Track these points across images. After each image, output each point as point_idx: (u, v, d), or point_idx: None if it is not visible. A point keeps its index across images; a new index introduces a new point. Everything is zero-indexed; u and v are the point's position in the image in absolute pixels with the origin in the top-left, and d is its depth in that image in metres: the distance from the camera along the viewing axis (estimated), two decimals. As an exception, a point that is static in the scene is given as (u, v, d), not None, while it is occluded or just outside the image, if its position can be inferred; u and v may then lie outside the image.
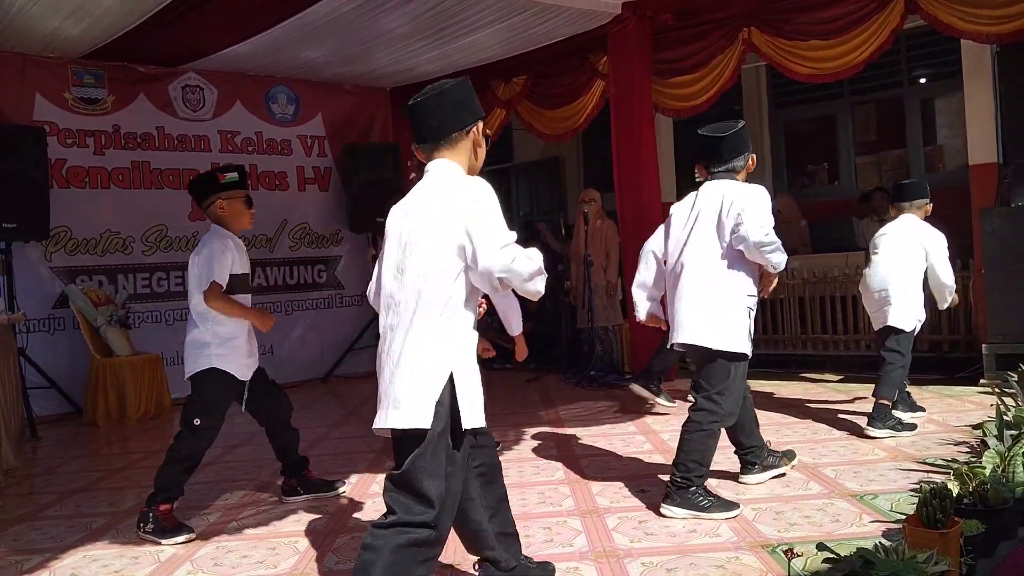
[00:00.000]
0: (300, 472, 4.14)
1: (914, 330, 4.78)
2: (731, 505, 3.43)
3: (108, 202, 7.26)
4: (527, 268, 2.26)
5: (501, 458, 4.43)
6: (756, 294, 3.57)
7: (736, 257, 3.49)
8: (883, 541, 2.63)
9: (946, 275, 4.76)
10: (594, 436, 5.09)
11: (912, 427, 4.59)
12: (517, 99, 8.31)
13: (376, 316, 2.47)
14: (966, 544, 2.57)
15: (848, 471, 3.93)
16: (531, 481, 4.14)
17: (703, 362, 3.56)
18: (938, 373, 6.17)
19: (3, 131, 6.36)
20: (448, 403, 2.24)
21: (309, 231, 8.50)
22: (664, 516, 3.42)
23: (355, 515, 3.78)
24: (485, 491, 2.67)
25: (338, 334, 8.39)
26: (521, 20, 6.73)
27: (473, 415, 2.29)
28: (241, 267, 3.86)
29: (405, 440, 2.26)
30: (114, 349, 6.72)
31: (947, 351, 6.56)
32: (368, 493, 4.14)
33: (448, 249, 2.26)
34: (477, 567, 2.78)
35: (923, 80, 8.09)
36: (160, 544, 3.51)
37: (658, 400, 5.63)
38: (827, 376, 6.65)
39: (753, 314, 3.57)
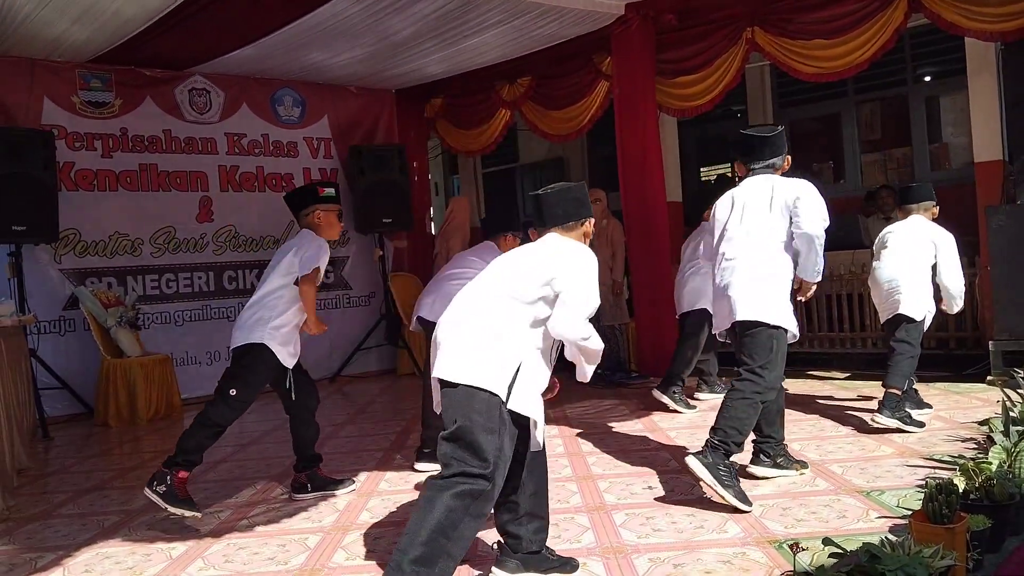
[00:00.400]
0: (312, 468, 4.19)
1: (923, 321, 4.78)
2: (745, 498, 3.44)
3: (116, 204, 7.32)
4: (594, 347, 2.74)
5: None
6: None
7: (782, 245, 3.72)
8: (889, 536, 2.65)
9: (955, 276, 4.76)
10: (601, 434, 5.12)
11: (920, 424, 4.60)
12: (522, 100, 8.34)
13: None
14: (972, 539, 2.59)
15: (855, 467, 3.95)
16: (539, 479, 4.17)
17: (747, 338, 3.70)
18: (945, 370, 6.18)
19: (12, 135, 6.42)
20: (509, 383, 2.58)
21: (316, 232, 8.53)
22: (688, 466, 3.50)
23: (364, 512, 3.82)
24: (528, 471, 2.81)
25: (346, 334, 8.43)
26: (525, 22, 6.76)
27: (520, 400, 2.61)
28: (324, 271, 4.11)
29: (464, 395, 2.55)
30: (124, 350, 6.77)
31: (954, 348, 6.56)
32: (377, 491, 4.18)
33: (538, 285, 2.68)
34: (496, 546, 2.84)
35: (928, 78, 8.09)
36: (163, 509, 3.67)
37: (677, 407, 5.62)
38: (834, 374, 6.66)
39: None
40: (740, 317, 3.72)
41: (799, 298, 3.81)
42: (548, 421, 5.55)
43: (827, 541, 2.54)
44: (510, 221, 4.77)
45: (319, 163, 8.63)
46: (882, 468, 3.90)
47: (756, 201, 3.79)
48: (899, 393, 4.63)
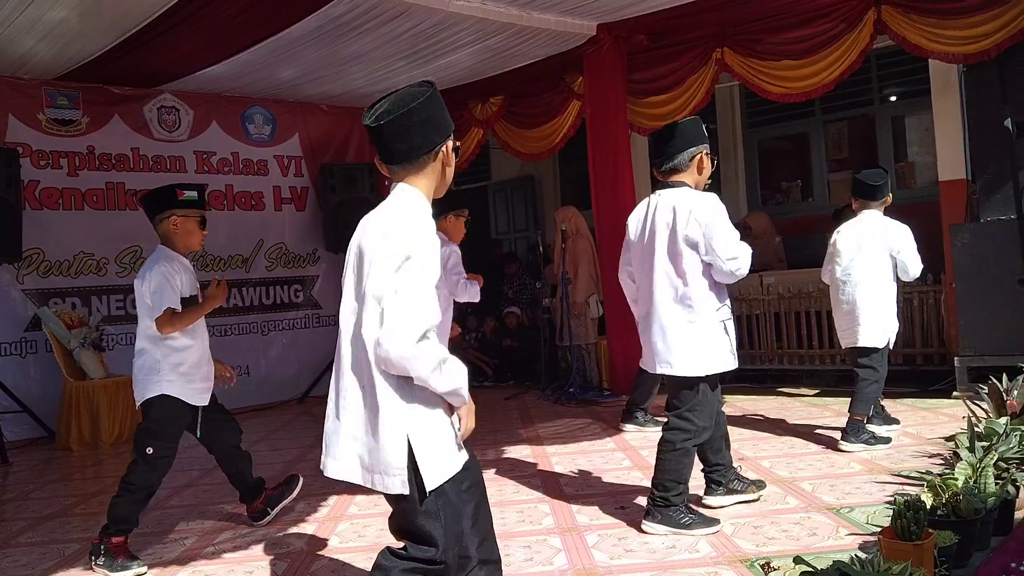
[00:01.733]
0: (260, 493, 4.03)
1: (887, 345, 4.81)
2: (711, 521, 3.43)
3: (82, 223, 7.21)
4: (424, 370, 2.05)
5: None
6: (727, 305, 3.49)
7: (699, 278, 3.40)
8: (859, 554, 2.65)
9: (915, 267, 4.71)
10: (573, 453, 5.09)
11: (886, 440, 4.64)
12: (494, 119, 8.37)
13: None
14: (940, 555, 2.61)
15: (825, 484, 3.96)
16: (511, 500, 4.13)
17: (671, 383, 3.55)
18: (912, 386, 6.25)
19: (-25, 153, 6.31)
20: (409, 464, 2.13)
21: (286, 251, 8.48)
22: (645, 533, 3.42)
23: (334, 537, 3.75)
24: (473, 523, 2.38)
25: (315, 354, 8.34)
26: (497, 41, 6.79)
27: (432, 472, 2.14)
28: (190, 289, 3.74)
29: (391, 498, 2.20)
30: (88, 372, 6.64)
31: (921, 364, 6.64)
32: (346, 515, 4.11)
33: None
34: None
35: (893, 98, 8.24)
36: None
37: (645, 429, 5.59)
38: (803, 390, 6.71)
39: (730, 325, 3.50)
40: (659, 369, 3.49)
41: None
42: (519, 440, 5.57)
43: (798, 560, 2.54)
44: (454, 201, 4.56)
45: (289, 181, 8.57)
46: (851, 485, 3.91)
47: (662, 222, 3.44)
48: (862, 420, 4.65)
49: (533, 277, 9.26)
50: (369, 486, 2.18)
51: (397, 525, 2.23)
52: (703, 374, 3.42)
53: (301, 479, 4.11)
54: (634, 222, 3.67)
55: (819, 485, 3.96)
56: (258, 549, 3.67)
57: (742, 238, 3.46)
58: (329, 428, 2.25)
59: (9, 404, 6.45)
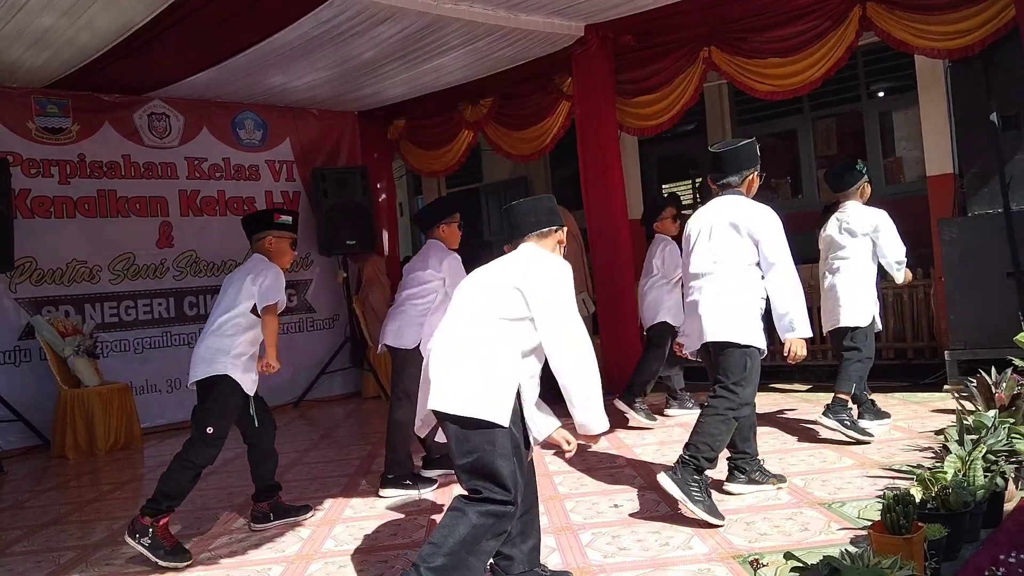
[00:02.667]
0: (272, 497, 4.12)
1: (871, 325, 4.86)
2: (716, 512, 3.45)
3: (74, 231, 7.20)
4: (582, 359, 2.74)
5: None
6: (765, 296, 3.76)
7: (750, 265, 3.76)
8: (850, 548, 2.68)
9: (896, 250, 4.83)
10: (568, 453, 5.11)
11: (864, 433, 4.61)
12: (484, 120, 8.38)
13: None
14: (930, 548, 2.63)
15: (816, 480, 3.99)
16: (505, 500, 4.15)
17: (720, 358, 3.71)
18: (903, 380, 6.29)
19: (-35, 162, 6.30)
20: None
21: (279, 255, 8.47)
22: (659, 483, 3.53)
23: (329, 540, 3.77)
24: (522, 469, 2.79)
25: (309, 358, 8.35)
26: (486, 44, 6.81)
27: (535, 422, 2.79)
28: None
29: (471, 427, 2.60)
30: (82, 380, 6.64)
31: (912, 358, 6.68)
32: (342, 518, 4.13)
33: (510, 288, 2.73)
34: (489, 567, 2.82)
35: (881, 94, 8.28)
36: (156, 563, 3.50)
37: (638, 417, 5.67)
38: (796, 386, 6.74)
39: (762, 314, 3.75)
40: (710, 338, 3.73)
41: (789, 360, 3.74)
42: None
43: (788, 555, 2.56)
44: (443, 208, 4.71)
45: (281, 186, 8.58)
46: (843, 480, 3.94)
47: (722, 222, 3.80)
48: (846, 398, 4.71)
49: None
50: (476, 415, 2.58)
51: (471, 467, 2.58)
52: (748, 343, 3.66)
53: (313, 512, 4.18)
54: (694, 221, 3.97)
55: (811, 480, 3.99)
56: (255, 554, 3.68)
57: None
58: (442, 369, 2.68)
59: (4, 413, 6.45)
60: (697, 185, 9.44)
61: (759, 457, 3.98)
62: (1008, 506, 3.23)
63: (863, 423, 4.80)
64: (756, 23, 6.51)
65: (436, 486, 4.50)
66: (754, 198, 4.01)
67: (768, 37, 6.47)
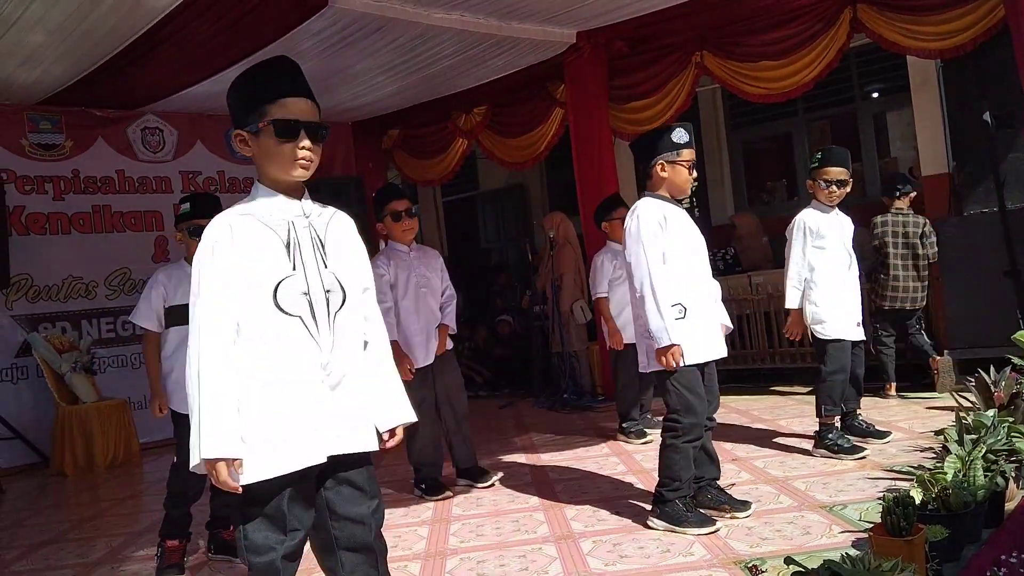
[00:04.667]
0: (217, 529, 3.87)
1: (829, 339, 4.52)
2: (707, 521, 3.44)
3: (69, 247, 7.20)
4: None
5: (480, 488, 4.54)
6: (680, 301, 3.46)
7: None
8: (851, 551, 2.66)
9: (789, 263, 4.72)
10: (568, 460, 5.10)
11: (857, 449, 4.36)
12: (479, 129, 8.39)
13: None
14: (931, 549, 2.62)
15: (818, 483, 3.97)
16: (506, 509, 4.13)
17: (659, 383, 3.65)
18: (903, 380, 6.26)
19: (-41, 181, 6.30)
20: None
21: (276, 267, 8.46)
22: (648, 527, 3.51)
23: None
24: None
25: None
26: (479, 52, 6.82)
27: None
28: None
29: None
30: (80, 396, 6.62)
31: (911, 358, 6.66)
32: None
33: None
34: None
35: (875, 95, 8.29)
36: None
37: (634, 443, 5.39)
38: (796, 388, 6.73)
39: (690, 316, 3.46)
40: (647, 369, 3.62)
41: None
42: (514, 449, 5.57)
43: (789, 560, 2.55)
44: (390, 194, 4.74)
45: (277, 198, 8.56)
46: (844, 482, 3.93)
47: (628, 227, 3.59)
48: (829, 423, 4.48)
49: (525, 286, 9.27)
50: None
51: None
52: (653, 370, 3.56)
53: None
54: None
55: (812, 483, 3.97)
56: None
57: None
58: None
59: (2, 431, 6.43)
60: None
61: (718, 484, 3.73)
62: (1009, 505, 3.21)
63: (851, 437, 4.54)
64: (748, 27, 6.53)
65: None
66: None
67: (760, 40, 6.48)
